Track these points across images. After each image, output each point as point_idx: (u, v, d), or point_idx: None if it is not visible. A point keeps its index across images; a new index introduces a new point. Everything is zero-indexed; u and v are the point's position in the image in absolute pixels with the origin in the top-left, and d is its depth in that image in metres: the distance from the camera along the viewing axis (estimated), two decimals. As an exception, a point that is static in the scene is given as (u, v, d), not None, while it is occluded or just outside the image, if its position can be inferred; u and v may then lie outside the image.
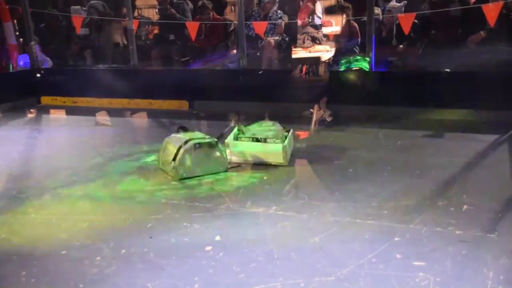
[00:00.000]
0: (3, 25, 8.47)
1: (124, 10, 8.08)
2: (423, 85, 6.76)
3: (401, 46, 7.95)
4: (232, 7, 10.14)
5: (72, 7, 9.24)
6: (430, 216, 3.71)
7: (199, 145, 4.63)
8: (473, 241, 3.32)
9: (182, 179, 4.58)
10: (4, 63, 8.73)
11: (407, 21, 7.12)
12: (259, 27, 7.89)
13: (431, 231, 3.47)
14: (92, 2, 9.00)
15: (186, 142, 4.63)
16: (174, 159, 4.57)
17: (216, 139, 4.83)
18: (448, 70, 6.89)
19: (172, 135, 4.94)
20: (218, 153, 4.74)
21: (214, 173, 4.69)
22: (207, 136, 4.85)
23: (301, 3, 9.07)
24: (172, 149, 4.67)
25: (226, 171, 4.76)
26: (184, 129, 5.10)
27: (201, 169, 4.65)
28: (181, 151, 4.57)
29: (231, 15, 9.90)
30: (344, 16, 8.88)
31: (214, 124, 7.09)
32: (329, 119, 6.91)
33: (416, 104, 6.68)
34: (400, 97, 6.76)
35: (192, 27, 7.85)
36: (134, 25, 8.09)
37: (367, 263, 3.10)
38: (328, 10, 8.98)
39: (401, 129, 6.17)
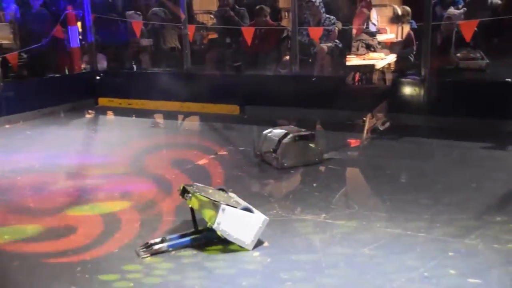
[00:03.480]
0: (69, 28, 8.83)
1: (182, 15, 8.25)
2: (485, 95, 6.51)
3: (459, 54, 7.72)
4: (286, 13, 10.12)
5: (127, 12, 9.48)
6: (487, 231, 3.56)
7: (298, 138, 5.08)
8: (534, 260, 3.17)
9: (283, 168, 5.00)
10: (67, 66, 9.07)
11: (468, 29, 6.85)
12: (315, 32, 7.83)
13: (488, 248, 3.33)
14: (154, 9, 9.22)
15: (285, 135, 5.09)
16: (275, 151, 5.04)
17: (312, 132, 5.29)
18: (510, 80, 6.62)
19: (270, 129, 5.38)
20: (313, 145, 5.18)
21: (311, 164, 5.09)
22: (302, 130, 5.29)
23: (356, 9, 8.96)
24: (273, 140, 5.15)
25: (321, 162, 5.17)
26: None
27: (300, 160, 5.07)
28: (283, 143, 5.03)
29: (285, 21, 9.89)
30: (401, 24, 8.72)
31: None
32: (382, 128, 6.79)
33: (476, 115, 6.45)
34: (458, 107, 6.54)
35: (248, 32, 7.89)
36: (190, 31, 8.22)
37: (419, 277, 3.01)
38: (386, 19, 8.85)
39: (459, 140, 5.96)
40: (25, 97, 7.77)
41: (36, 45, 8.09)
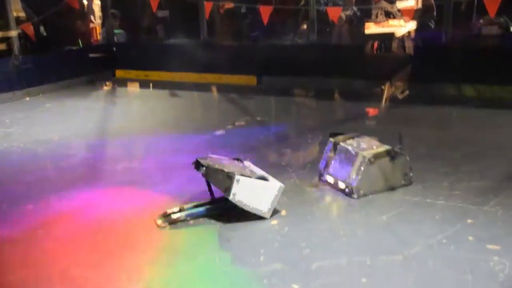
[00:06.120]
0: (87, 2, 8.84)
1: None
2: (507, 62, 6.35)
3: (481, 21, 7.52)
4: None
5: None
6: (506, 198, 3.53)
7: (374, 158, 3.73)
8: (554, 227, 3.13)
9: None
10: (85, 39, 9.10)
11: (493, 4, 6.57)
12: (333, 12, 7.66)
13: (508, 214, 3.30)
14: None
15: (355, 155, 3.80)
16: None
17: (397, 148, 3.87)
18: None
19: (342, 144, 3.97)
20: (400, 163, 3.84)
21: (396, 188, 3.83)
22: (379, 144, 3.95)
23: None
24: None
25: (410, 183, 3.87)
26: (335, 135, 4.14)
27: (384, 183, 3.79)
28: (357, 168, 3.73)
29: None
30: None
31: (283, 100, 7.08)
32: (400, 96, 6.70)
33: (497, 81, 6.31)
34: (478, 74, 6.41)
35: (265, 11, 7.77)
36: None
37: (437, 244, 3.00)
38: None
39: (479, 108, 5.87)
40: (43, 70, 7.83)
41: (49, 12, 8.06)
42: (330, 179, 3.94)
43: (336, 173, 3.90)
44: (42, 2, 8.40)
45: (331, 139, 4.04)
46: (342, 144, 3.95)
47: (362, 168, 3.69)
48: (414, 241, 3.04)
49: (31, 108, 6.97)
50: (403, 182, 3.84)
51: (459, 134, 5.05)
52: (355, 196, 3.68)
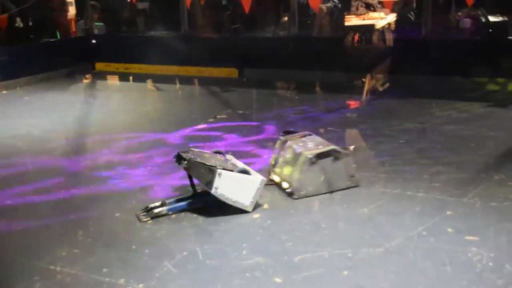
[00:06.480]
0: None
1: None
2: (485, 54, 6.43)
3: (459, 13, 7.60)
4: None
5: None
6: (484, 190, 3.59)
7: (316, 158, 3.64)
8: (531, 218, 3.20)
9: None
10: (63, 31, 8.95)
11: None
12: (315, 1, 7.65)
13: (486, 206, 3.36)
14: None
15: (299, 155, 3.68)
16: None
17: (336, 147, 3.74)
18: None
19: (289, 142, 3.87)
20: (344, 164, 3.71)
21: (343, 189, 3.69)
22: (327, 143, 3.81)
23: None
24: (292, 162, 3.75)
25: (357, 185, 3.75)
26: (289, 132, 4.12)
27: (327, 185, 3.67)
28: (299, 168, 3.63)
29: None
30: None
31: (265, 93, 7.07)
32: (381, 88, 6.75)
33: (475, 74, 6.40)
34: (457, 66, 6.48)
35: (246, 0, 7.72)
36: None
37: (417, 236, 3.04)
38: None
39: (459, 100, 5.94)
40: (21, 62, 7.69)
41: (28, 3, 7.92)
42: (276, 178, 3.85)
43: (281, 172, 3.84)
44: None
45: (281, 137, 3.98)
46: (289, 142, 3.86)
47: (303, 168, 3.60)
48: (395, 234, 3.07)
49: (9, 102, 6.86)
50: (349, 183, 3.70)
51: (439, 125, 5.11)
52: (295, 196, 3.60)
